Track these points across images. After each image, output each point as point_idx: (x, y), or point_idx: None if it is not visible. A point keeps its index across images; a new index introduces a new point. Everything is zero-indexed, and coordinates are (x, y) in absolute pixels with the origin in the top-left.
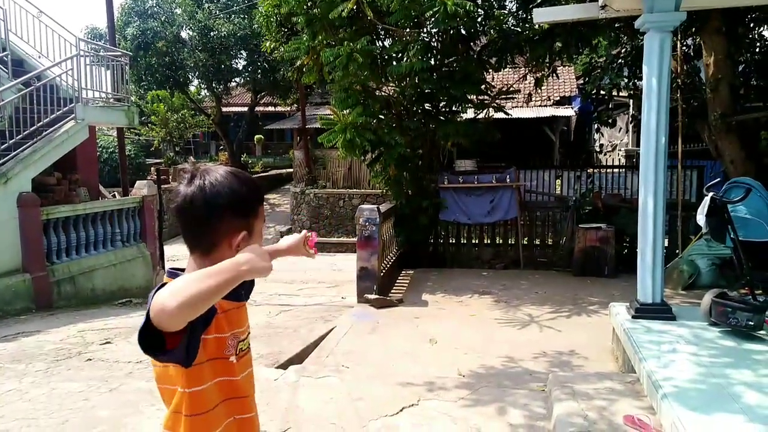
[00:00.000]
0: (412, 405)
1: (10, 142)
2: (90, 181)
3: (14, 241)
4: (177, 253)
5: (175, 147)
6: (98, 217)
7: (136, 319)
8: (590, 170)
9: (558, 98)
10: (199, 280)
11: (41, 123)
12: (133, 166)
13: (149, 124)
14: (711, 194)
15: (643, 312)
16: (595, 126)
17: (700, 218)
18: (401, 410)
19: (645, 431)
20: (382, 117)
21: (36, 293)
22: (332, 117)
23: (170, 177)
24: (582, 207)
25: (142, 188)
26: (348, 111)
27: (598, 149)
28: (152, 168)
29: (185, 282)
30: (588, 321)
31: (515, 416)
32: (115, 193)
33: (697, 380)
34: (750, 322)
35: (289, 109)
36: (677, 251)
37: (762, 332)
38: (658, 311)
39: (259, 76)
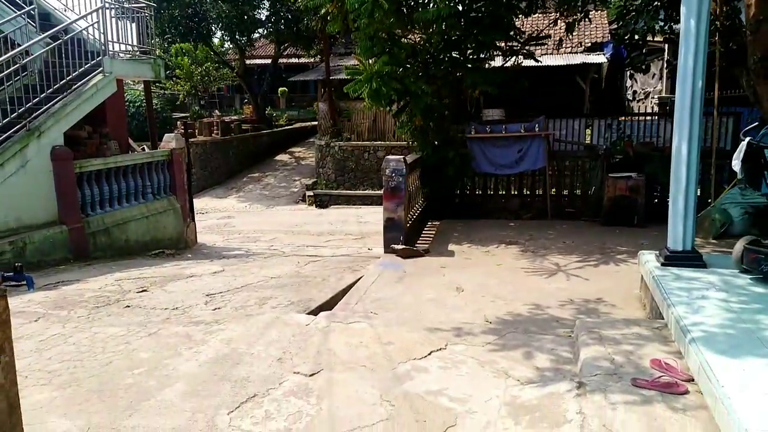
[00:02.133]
0: (440, 349)
1: (41, 96)
2: (119, 134)
3: (50, 194)
4: (206, 205)
5: (200, 101)
6: (129, 170)
7: (170, 268)
8: (621, 118)
9: (589, 44)
10: None
11: (70, 77)
12: (159, 119)
13: (174, 78)
14: (747, 139)
15: (672, 259)
16: (628, 73)
17: (736, 163)
18: (429, 354)
19: (672, 374)
20: (409, 66)
21: (73, 244)
22: (357, 66)
23: (196, 131)
24: (612, 156)
25: (170, 141)
26: (373, 60)
27: (630, 97)
28: (178, 122)
29: None
30: (616, 270)
31: (542, 360)
32: (144, 146)
33: (726, 325)
34: None
35: (312, 60)
36: (709, 200)
37: None
38: (689, 259)
39: (282, 26)
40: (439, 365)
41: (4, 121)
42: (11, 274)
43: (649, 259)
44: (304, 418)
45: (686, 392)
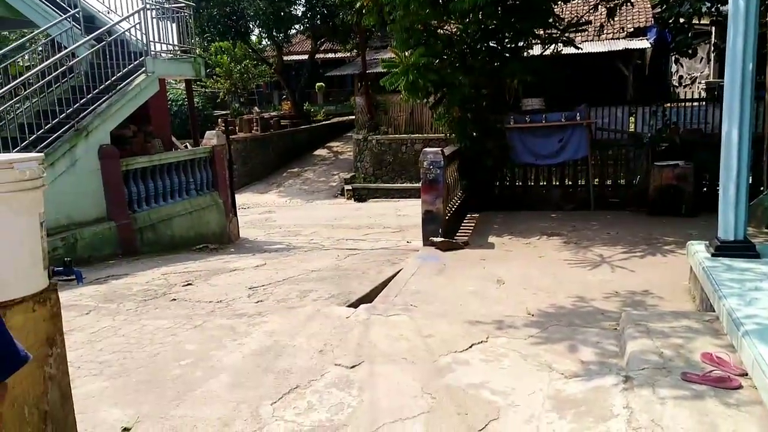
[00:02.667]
0: (482, 342)
1: (88, 96)
2: (163, 132)
3: (98, 192)
4: (247, 201)
5: (239, 98)
6: (173, 167)
7: (214, 262)
8: (666, 105)
9: (632, 29)
10: None
11: (114, 77)
12: (201, 117)
13: (214, 76)
14: None
15: (723, 250)
16: (673, 58)
17: None
18: (471, 346)
19: (724, 368)
20: (445, 57)
21: (121, 240)
22: (394, 59)
23: (236, 128)
24: (657, 144)
25: (211, 138)
26: (410, 52)
27: (675, 83)
28: (219, 119)
29: None
30: (663, 261)
31: (587, 353)
32: (187, 144)
33: None
34: None
35: (349, 54)
36: (762, 188)
37: None
38: (740, 249)
39: (318, 21)
40: (480, 358)
41: (53, 122)
42: (61, 268)
43: (698, 249)
44: (346, 410)
45: (739, 387)
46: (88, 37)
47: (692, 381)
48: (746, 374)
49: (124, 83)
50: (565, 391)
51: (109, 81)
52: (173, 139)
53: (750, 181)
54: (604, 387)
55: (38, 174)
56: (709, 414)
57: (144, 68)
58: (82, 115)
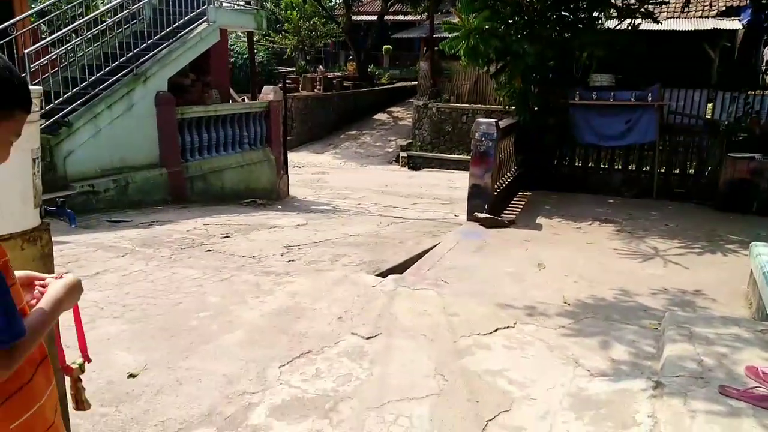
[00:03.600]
0: (508, 327)
1: (149, 42)
2: (221, 84)
3: (153, 137)
4: (303, 160)
5: (306, 56)
6: (227, 119)
7: (257, 217)
8: (750, 92)
9: (723, 8)
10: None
11: (176, 24)
12: (265, 72)
13: (282, 32)
14: None
15: None
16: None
17: None
18: (495, 330)
19: None
20: (511, 23)
21: (172, 187)
22: (457, 22)
23: (300, 85)
24: (735, 133)
25: (268, 93)
26: (474, 15)
27: (765, 69)
28: (283, 76)
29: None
30: (723, 260)
31: (619, 352)
32: (245, 97)
33: None
34: None
35: (419, 17)
36: None
37: None
38: None
39: None
40: (503, 344)
41: (113, 65)
42: (54, 208)
43: (762, 252)
44: (353, 381)
45: None
46: None
47: (730, 396)
48: None
49: (185, 31)
50: (587, 390)
51: (171, 27)
52: (231, 91)
53: None
54: (631, 391)
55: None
56: None
57: (206, 17)
58: (141, 60)
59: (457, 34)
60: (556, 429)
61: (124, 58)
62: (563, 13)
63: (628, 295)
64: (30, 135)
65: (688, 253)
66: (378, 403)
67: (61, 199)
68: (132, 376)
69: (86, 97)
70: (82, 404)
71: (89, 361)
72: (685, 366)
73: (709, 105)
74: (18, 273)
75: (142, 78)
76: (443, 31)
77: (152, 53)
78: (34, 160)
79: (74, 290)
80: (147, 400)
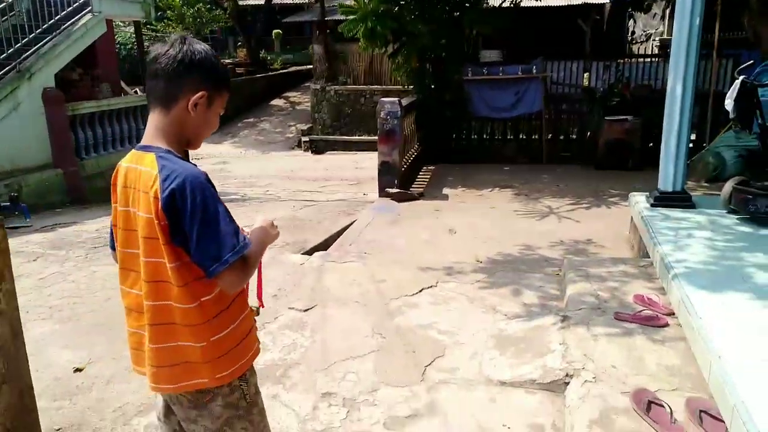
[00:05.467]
0: (431, 286)
1: (30, 36)
2: (111, 77)
3: (43, 137)
4: (201, 151)
5: None
6: (122, 113)
7: None
8: (620, 61)
9: None
10: (259, 255)
11: (58, 16)
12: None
13: (165, 20)
14: (742, 77)
15: (662, 200)
16: (630, 14)
17: (729, 102)
18: (420, 291)
19: (654, 308)
20: (404, 3)
21: (69, 187)
22: (353, 5)
23: None
24: (609, 99)
25: None
26: None
27: (632, 39)
28: None
29: (255, 261)
30: (607, 212)
31: (530, 296)
32: (137, 90)
33: (709, 262)
34: None
35: (307, 1)
36: (704, 144)
37: None
38: (678, 199)
39: None
40: (429, 301)
41: None
42: (7, 204)
43: (639, 200)
44: (299, 349)
45: (666, 325)
46: None
47: (623, 320)
48: (673, 314)
49: (68, 23)
50: (507, 331)
51: (53, 20)
52: (122, 84)
53: (694, 138)
54: (543, 326)
55: None
56: (636, 349)
57: (90, 7)
58: (24, 56)
59: (354, 16)
60: (485, 365)
61: (5, 54)
62: None
63: (531, 249)
64: None
65: (577, 208)
66: (325, 365)
67: (14, 194)
68: (78, 370)
69: None
70: None
71: (263, 306)
72: (585, 300)
73: (586, 74)
74: None
75: (26, 75)
76: (340, 14)
77: (35, 48)
78: None
79: (273, 229)
80: (99, 390)
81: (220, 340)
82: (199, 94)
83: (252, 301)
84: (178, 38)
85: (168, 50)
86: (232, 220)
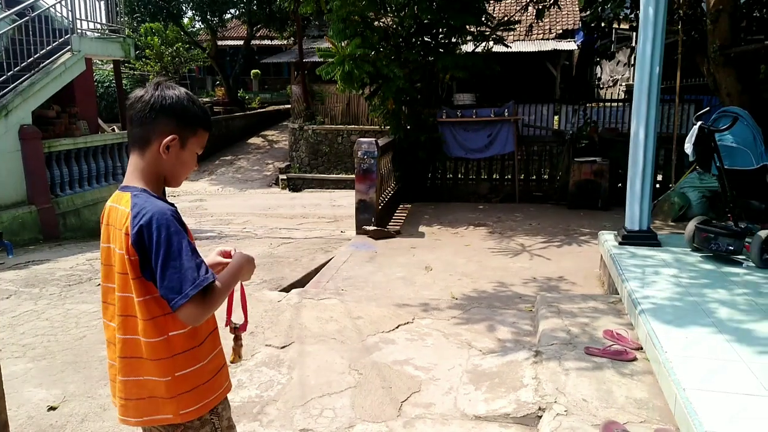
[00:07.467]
0: (407, 323)
1: (8, 74)
2: (89, 114)
3: (18, 174)
4: (178, 189)
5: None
6: (99, 150)
7: None
8: (588, 105)
9: (560, 31)
10: (228, 287)
11: (38, 54)
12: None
13: (144, 59)
14: (700, 123)
15: (629, 239)
16: (597, 60)
17: (688, 146)
18: (397, 327)
19: (622, 343)
20: (381, 49)
21: (43, 224)
22: (330, 49)
23: None
24: (578, 141)
25: None
26: (346, 42)
27: (599, 85)
28: None
29: (221, 293)
30: (578, 250)
31: (504, 332)
32: (114, 127)
33: (674, 298)
34: (730, 247)
35: (285, 42)
36: (670, 185)
37: (741, 257)
38: (644, 238)
39: (254, 7)
40: (405, 337)
41: None
42: None
43: (608, 238)
44: (276, 386)
45: (634, 359)
46: (9, 11)
47: (594, 354)
48: (641, 348)
49: (47, 61)
50: (481, 366)
51: (32, 58)
52: (100, 121)
53: (660, 179)
54: (516, 361)
55: None
56: (606, 382)
57: (70, 46)
58: (1, 93)
59: (332, 60)
60: (460, 400)
61: None
62: (426, 38)
63: (504, 286)
64: None
65: (549, 246)
66: (302, 401)
67: None
68: (52, 408)
69: None
70: (236, 358)
71: (247, 322)
72: (557, 336)
73: (556, 117)
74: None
75: (2, 112)
76: (318, 57)
77: (13, 86)
78: None
79: (250, 263)
80: (73, 429)
81: (186, 376)
82: (170, 137)
83: (236, 317)
84: (153, 84)
85: (142, 96)
86: (196, 255)
